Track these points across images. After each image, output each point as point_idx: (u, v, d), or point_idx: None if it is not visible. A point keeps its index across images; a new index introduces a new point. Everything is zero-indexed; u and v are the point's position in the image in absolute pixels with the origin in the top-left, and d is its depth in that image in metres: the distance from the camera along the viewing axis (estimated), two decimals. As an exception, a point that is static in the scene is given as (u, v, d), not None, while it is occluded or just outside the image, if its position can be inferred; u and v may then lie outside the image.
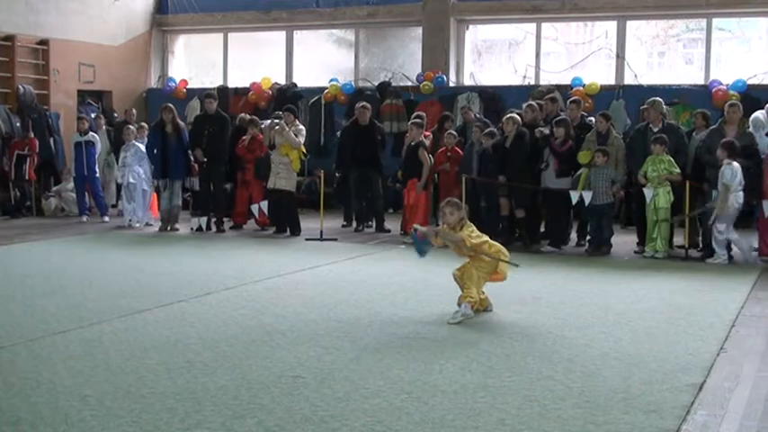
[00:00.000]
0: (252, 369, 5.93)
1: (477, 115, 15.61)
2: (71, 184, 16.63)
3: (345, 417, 5.06)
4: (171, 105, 14.61)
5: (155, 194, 15.16)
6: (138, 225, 14.89)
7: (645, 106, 12.58)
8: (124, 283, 9.46)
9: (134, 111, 17.70)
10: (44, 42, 18.29)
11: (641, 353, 6.58)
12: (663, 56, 18.90)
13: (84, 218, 15.88)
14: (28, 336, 6.95)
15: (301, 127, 14.19)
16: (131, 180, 14.89)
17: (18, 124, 16.85)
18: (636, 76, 17.76)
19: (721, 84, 16.49)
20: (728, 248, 11.41)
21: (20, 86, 17.50)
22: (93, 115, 17.63)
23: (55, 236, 13.76)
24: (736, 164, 11.09)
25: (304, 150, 14.08)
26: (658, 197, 11.52)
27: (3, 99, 17.43)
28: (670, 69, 18.44)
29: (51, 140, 17.71)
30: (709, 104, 15.39)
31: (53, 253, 12.02)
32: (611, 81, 17.79)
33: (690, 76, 17.74)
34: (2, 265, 11.02)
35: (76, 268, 10.62)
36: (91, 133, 15.80)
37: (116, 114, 19.13)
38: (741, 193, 11.17)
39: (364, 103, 14.99)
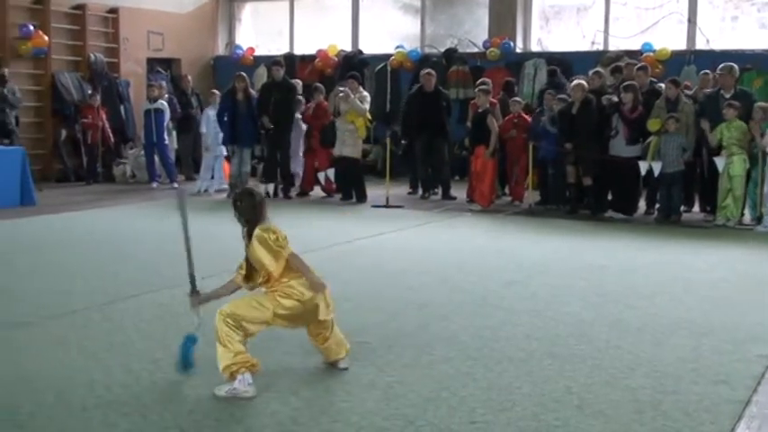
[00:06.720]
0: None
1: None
2: (141, 151, 16.87)
3: (412, 383, 5.10)
4: (244, 74, 14.67)
5: (226, 161, 15.32)
6: (207, 191, 15.07)
7: (719, 72, 12.29)
8: (194, 248, 9.56)
9: (189, 78, 17.82)
10: (114, 11, 18.50)
11: (711, 323, 6.50)
12: (736, 20, 18.42)
13: (154, 184, 16.10)
14: (101, 300, 7.11)
15: (365, 94, 14.18)
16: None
17: (89, 92, 17.12)
18: (708, 41, 17.38)
19: (796, 48, 16.05)
20: None
21: (91, 54, 17.76)
22: (162, 83, 17.77)
23: (125, 202, 13.99)
24: None
25: (369, 117, 14.08)
26: (733, 165, 11.30)
27: (75, 67, 17.72)
28: (743, 34, 17.99)
29: (122, 108, 18.01)
30: (784, 70, 15.02)
31: (124, 219, 12.22)
32: (683, 46, 17.43)
33: (764, 40, 17.29)
34: (74, 230, 11.25)
35: (147, 234, 10.79)
36: (160, 101, 15.97)
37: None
38: None
39: (429, 69, 14.92)
